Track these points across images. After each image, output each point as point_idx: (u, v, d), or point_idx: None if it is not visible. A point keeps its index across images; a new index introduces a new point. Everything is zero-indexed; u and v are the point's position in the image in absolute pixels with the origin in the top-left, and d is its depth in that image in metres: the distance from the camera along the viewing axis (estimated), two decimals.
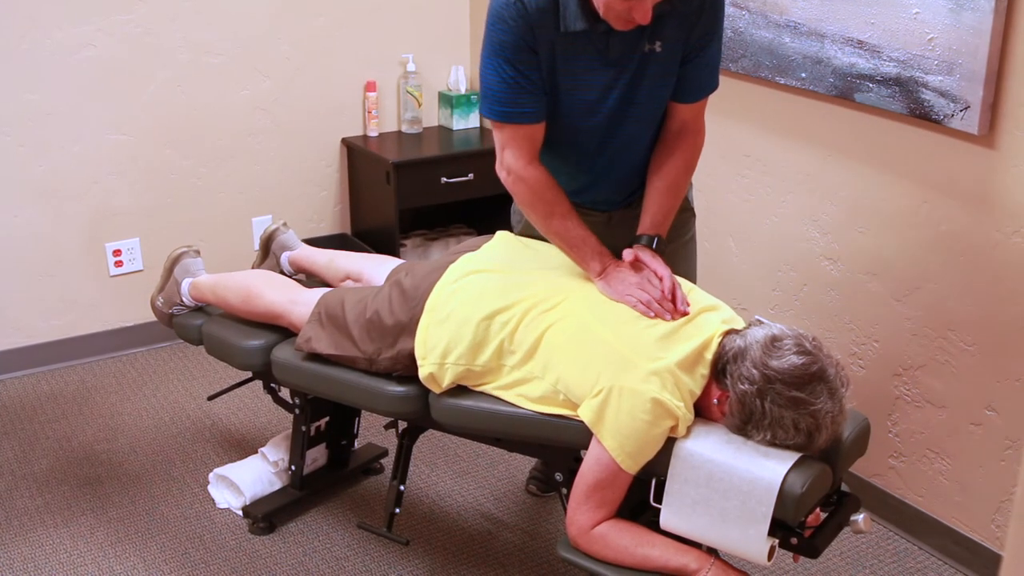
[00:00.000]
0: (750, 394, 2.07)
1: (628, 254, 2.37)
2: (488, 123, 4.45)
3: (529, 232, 2.63)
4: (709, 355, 2.18)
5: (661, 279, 2.31)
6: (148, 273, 3.94)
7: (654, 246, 2.42)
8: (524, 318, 2.30)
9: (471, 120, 4.45)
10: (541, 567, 2.89)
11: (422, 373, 2.40)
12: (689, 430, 2.15)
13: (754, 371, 2.07)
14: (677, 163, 2.47)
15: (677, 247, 2.60)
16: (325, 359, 2.60)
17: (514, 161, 2.38)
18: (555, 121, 2.39)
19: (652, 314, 2.24)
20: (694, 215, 2.73)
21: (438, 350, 2.37)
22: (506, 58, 2.29)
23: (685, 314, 2.25)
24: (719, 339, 2.20)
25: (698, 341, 2.19)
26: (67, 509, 3.10)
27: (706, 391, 2.19)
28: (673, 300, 2.27)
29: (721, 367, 2.16)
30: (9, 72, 3.61)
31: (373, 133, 4.34)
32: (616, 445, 2.12)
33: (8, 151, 3.68)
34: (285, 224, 3.14)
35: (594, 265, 2.37)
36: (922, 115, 2.70)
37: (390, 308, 2.47)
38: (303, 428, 2.98)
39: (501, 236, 2.63)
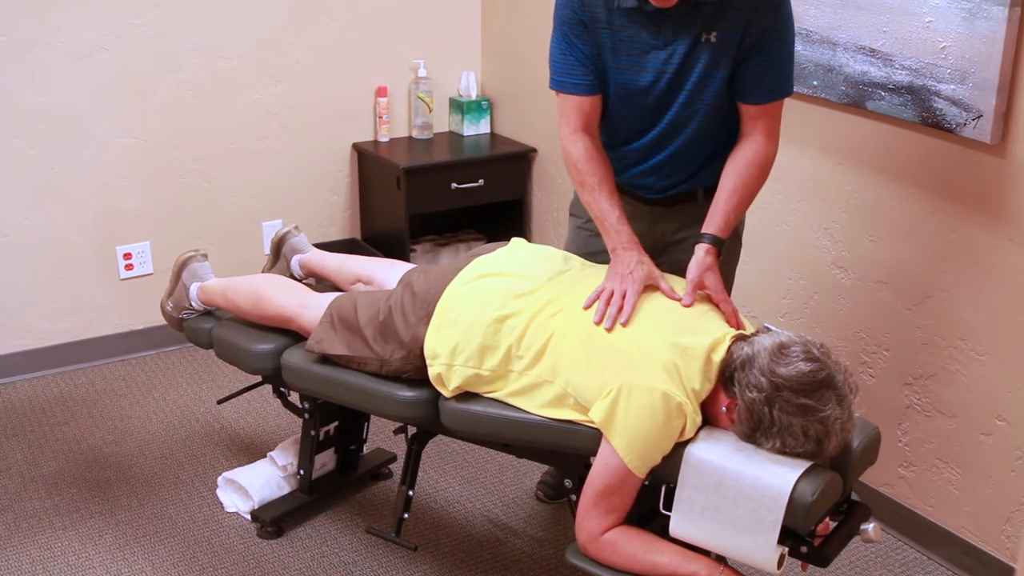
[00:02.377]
0: (758, 402, 2.07)
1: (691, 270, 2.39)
2: (498, 129, 4.47)
3: (578, 211, 2.75)
4: (717, 357, 2.17)
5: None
6: (158, 276, 3.95)
7: (705, 244, 2.41)
8: (532, 322, 2.31)
9: (481, 126, 4.45)
10: (550, 574, 2.88)
11: (431, 373, 2.42)
12: (699, 437, 2.14)
13: (762, 379, 2.07)
14: (739, 164, 2.47)
15: None
16: (335, 363, 2.60)
17: (562, 128, 2.51)
18: (608, 96, 2.48)
19: (588, 302, 2.30)
20: (739, 240, 2.73)
21: (447, 351, 2.38)
22: (563, 31, 2.44)
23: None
24: (728, 343, 2.19)
25: (706, 340, 2.19)
26: (76, 512, 3.10)
27: (715, 399, 2.18)
28: (620, 308, 2.28)
29: (729, 375, 2.15)
30: (21, 75, 3.62)
31: (384, 138, 4.34)
32: (625, 444, 2.12)
33: (19, 154, 3.69)
34: (297, 227, 3.15)
35: (609, 240, 2.44)
36: (934, 124, 2.70)
37: (402, 309, 2.48)
38: (312, 432, 2.97)
39: (516, 243, 2.64)
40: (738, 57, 2.38)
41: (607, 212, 2.45)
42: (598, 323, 2.26)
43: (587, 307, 2.31)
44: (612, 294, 2.31)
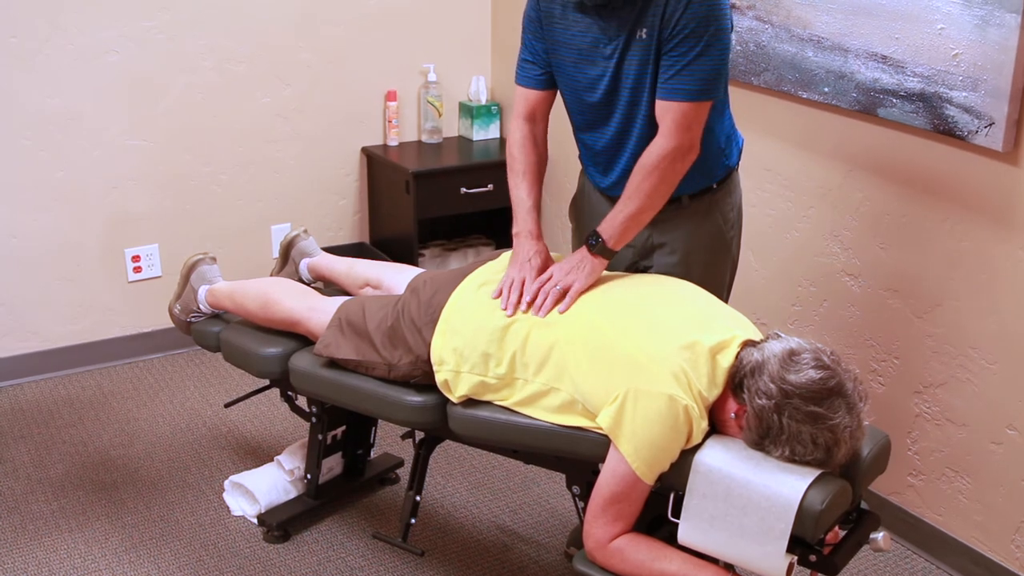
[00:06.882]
0: (768, 409, 2.06)
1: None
2: (508, 133, 4.46)
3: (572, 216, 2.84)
4: (725, 362, 2.16)
5: (550, 277, 2.43)
6: (166, 279, 3.95)
7: (591, 243, 2.46)
8: (537, 328, 2.31)
9: (491, 131, 4.45)
10: None
11: (438, 380, 2.42)
12: (707, 444, 2.13)
13: (772, 386, 2.06)
14: (635, 169, 2.45)
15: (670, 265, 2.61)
16: (343, 367, 2.60)
17: (512, 114, 2.67)
18: (565, 92, 2.58)
19: (495, 293, 2.42)
20: (728, 249, 2.68)
21: (453, 358, 2.38)
22: (524, 28, 2.58)
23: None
24: (736, 349, 2.18)
25: (711, 338, 2.18)
26: (82, 514, 3.10)
27: (723, 405, 2.17)
28: (534, 298, 2.37)
29: (738, 381, 2.14)
30: (31, 77, 3.63)
31: (393, 142, 4.34)
32: (632, 450, 2.11)
33: (29, 156, 3.69)
34: (306, 231, 3.15)
35: (515, 227, 2.58)
36: (946, 131, 2.69)
37: (409, 315, 2.48)
38: (319, 437, 2.97)
39: None
40: (659, 53, 2.38)
41: (523, 200, 2.60)
42: (504, 308, 2.38)
43: (496, 296, 2.42)
44: (512, 282, 2.43)
